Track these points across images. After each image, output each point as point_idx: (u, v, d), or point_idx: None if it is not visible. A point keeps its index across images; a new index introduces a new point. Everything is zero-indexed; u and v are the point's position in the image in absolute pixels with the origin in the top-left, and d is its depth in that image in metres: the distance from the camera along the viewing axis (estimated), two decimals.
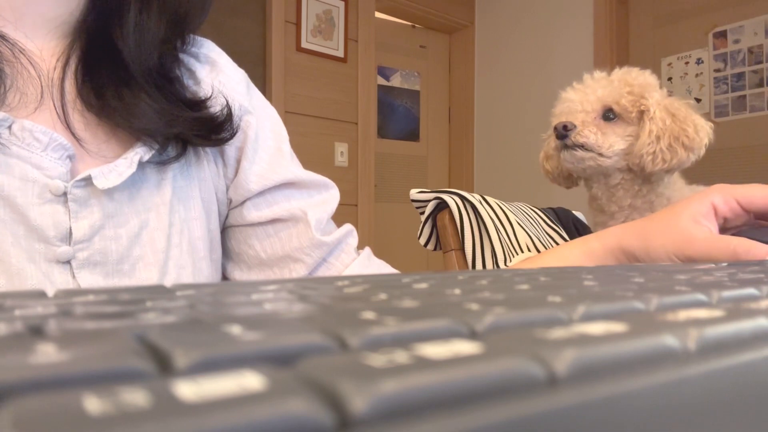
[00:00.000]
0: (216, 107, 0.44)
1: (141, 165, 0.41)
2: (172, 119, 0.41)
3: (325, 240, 0.47)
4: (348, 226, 0.51)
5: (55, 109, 0.40)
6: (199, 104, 0.44)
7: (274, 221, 0.47)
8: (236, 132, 0.45)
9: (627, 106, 0.85)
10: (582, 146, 0.85)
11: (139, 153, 0.40)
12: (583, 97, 0.88)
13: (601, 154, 0.85)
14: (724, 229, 0.41)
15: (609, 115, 0.87)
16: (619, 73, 0.89)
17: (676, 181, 0.91)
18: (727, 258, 0.37)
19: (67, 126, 0.39)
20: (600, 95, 0.86)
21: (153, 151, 0.41)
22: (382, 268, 0.51)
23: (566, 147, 0.87)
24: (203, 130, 0.43)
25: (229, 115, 0.45)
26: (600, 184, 0.91)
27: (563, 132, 0.85)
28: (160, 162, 0.42)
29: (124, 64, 0.41)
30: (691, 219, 0.40)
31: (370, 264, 0.50)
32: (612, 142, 0.85)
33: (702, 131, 0.84)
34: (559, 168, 0.94)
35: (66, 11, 0.41)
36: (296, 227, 0.47)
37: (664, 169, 0.84)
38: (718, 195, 0.40)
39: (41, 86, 0.39)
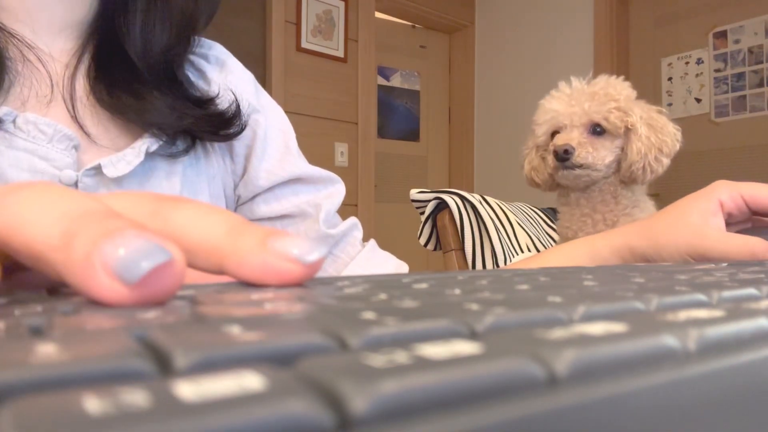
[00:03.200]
0: (224, 104, 0.45)
1: (151, 157, 0.42)
2: (182, 114, 0.42)
3: (331, 232, 0.48)
4: (353, 219, 0.52)
5: (65, 105, 0.40)
6: (208, 102, 0.45)
7: (282, 217, 0.49)
8: (244, 127, 0.46)
9: (616, 122, 0.90)
10: (580, 166, 0.91)
11: (147, 143, 0.41)
12: (569, 110, 0.92)
13: (595, 170, 0.92)
14: (726, 225, 0.41)
15: (597, 129, 0.92)
16: (599, 83, 0.93)
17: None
18: (744, 257, 0.36)
19: (78, 123, 0.40)
20: (587, 109, 0.91)
21: (161, 142, 0.42)
22: (388, 259, 0.52)
23: (565, 168, 0.92)
24: (212, 126, 0.44)
25: (238, 112, 0.46)
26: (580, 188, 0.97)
27: (564, 156, 0.91)
28: (170, 155, 0.43)
29: (134, 63, 0.42)
30: (701, 216, 0.40)
31: (375, 256, 0.51)
32: (603, 156, 0.91)
33: (675, 139, 0.92)
34: (550, 181, 0.99)
35: (78, 14, 0.42)
36: (304, 223, 0.49)
37: (653, 178, 0.91)
38: (725, 191, 0.40)
39: (51, 85, 0.40)
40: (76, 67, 0.42)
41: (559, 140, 0.92)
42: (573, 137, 0.91)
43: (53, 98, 0.40)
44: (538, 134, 0.97)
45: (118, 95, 0.41)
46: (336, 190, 0.51)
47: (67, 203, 0.14)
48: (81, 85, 0.41)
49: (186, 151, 0.43)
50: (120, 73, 0.42)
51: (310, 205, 0.49)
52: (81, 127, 0.40)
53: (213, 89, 0.47)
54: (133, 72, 0.42)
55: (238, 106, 0.46)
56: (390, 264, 0.52)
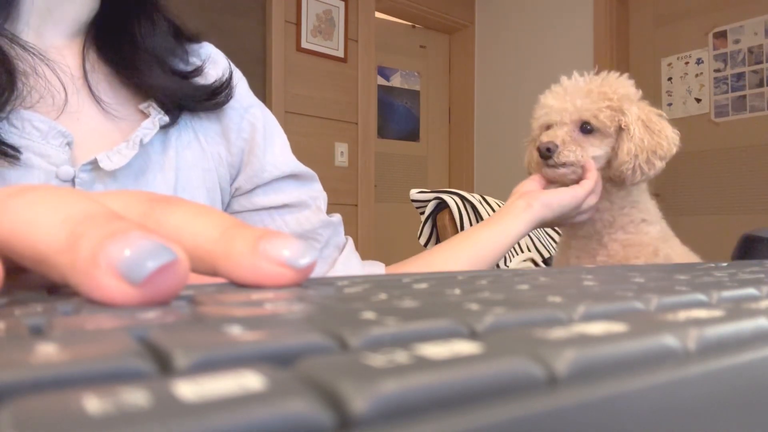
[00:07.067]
0: (210, 73, 0.47)
1: (146, 150, 0.43)
2: (180, 85, 0.44)
3: (332, 219, 0.52)
4: (338, 216, 0.55)
5: (85, 86, 0.42)
6: (195, 72, 0.47)
7: (283, 206, 0.50)
8: (232, 96, 0.48)
9: (605, 121, 0.90)
10: (563, 164, 0.91)
11: (140, 134, 0.42)
12: (561, 106, 0.92)
13: (581, 167, 0.91)
14: None
15: (587, 126, 0.91)
16: (597, 80, 0.93)
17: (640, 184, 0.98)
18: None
19: (92, 93, 0.42)
20: (579, 106, 0.90)
21: (156, 130, 0.43)
22: (363, 266, 0.55)
23: (548, 165, 0.92)
24: (201, 95, 0.46)
25: (228, 81, 0.47)
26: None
27: (547, 153, 0.91)
28: (162, 126, 0.44)
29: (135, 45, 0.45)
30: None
31: (351, 263, 0.53)
32: (590, 153, 0.91)
33: (672, 142, 0.91)
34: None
35: (89, 11, 0.44)
36: (302, 213, 0.51)
37: (643, 180, 0.91)
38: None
39: (64, 88, 0.41)
40: (87, 53, 0.43)
41: (545, 137, 0.92)
42: (558, 135, 0.91)
43: (68, 102, 0.41)
44: (533, 128, 0.97)
45: (122, 52, 0.43)
46: (320, 187, 0.54)
47: (71, 206, 0.14)
48: (92, 58, 0.43)
49: (173, 123, 0.45)
50: (123, 45, 0.44)
51: (308, 197, 0.51)
52: (94, 96, 0.42)
53: (205, 77, 0.48)
54: (133, 54, 0.44)
55: (231, 75, 0.48)
56: (364, 270, 0.54)
